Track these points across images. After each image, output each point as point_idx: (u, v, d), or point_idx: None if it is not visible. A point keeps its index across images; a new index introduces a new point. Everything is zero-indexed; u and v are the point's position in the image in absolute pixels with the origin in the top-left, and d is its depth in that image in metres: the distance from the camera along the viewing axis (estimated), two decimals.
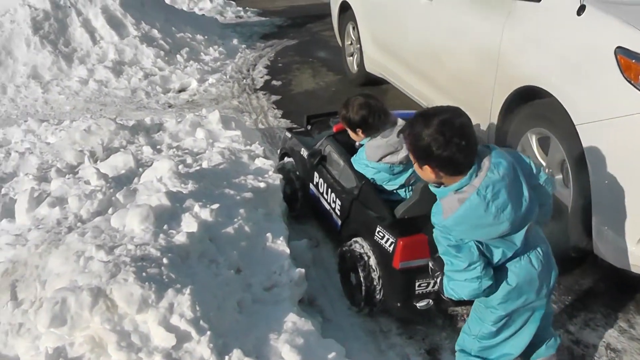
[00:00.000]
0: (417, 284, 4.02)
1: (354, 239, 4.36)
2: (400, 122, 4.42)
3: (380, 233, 4.10)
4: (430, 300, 4.05)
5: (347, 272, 4.39)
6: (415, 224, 4.04)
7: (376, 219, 4.21)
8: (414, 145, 3.06)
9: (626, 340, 4.12)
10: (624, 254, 4.13)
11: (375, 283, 4.15)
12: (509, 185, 2.95)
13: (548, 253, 3.25)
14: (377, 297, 4.16)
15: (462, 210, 2.95)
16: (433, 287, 4.00)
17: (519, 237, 3.08)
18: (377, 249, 4.13)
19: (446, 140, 2.92)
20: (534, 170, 3.26)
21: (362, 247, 4.25)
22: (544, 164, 4.84)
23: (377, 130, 4.44)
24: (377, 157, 4.37)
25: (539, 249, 3.19)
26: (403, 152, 4.31)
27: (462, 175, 2.98)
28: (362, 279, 4.18)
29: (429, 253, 3.85)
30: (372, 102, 4.44)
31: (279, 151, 5.99)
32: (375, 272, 4.14)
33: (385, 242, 4.05)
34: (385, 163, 4.37)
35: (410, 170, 4.34)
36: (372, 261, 4.17)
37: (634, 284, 4.52)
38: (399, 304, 4.13)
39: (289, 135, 5.63)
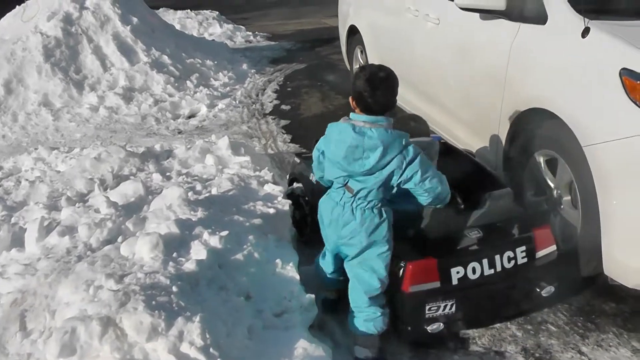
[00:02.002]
0: (427, 307, 4.07)
1: None
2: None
3: None
4: (441, 324, 4.12)
5: None
6: (424, 247, 4.15)
7: None
8: (352, 84, 3.94)
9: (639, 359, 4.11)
10: (634, 273, 4.16)
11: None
12: (350, 149, 3.76)
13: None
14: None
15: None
16: (443, 310, 4.10)
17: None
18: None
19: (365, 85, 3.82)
20: (413, 178, 3.83)
21: None
22: (552, 185, 4.85)
23: None
24: None
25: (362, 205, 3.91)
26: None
27: (366, 114, 3.85)
28: None
29: (438, 277, 4.06)
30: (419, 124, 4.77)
31: (288, 176, 6.00)
32: (386, 297, 4.11)
33: (395, 266, 4.05)
34: None
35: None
36: None
37: None
38: (409, 328, 4.17)
39: (297, 160, 5.66)
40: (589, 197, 4.34)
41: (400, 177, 3.80)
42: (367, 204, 3.89)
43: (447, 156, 4.88)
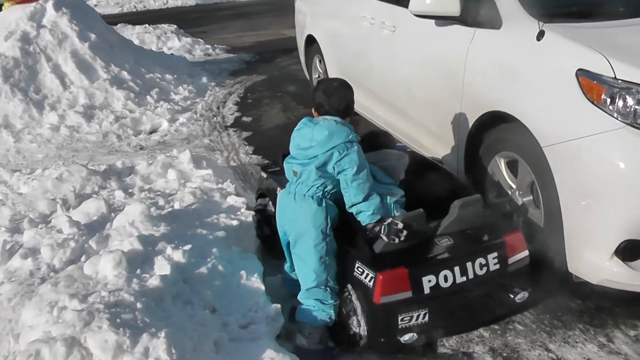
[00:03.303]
0: (399, 317, 4.03)
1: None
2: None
3: (359, 269, 4.10)
4: (415, 334, 4.07)
5: None
6: (394, 257, 4.09)
7: (355, 254, 4.21)
8: (312, 97, 4.47)
9: (605, 354, 4.17)
10: (597, 270, 4.21)
11: (358, 319, 4.13)
12: (306, 133, 4.18)
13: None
14: (361, 333, 4.13)
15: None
16: (417, 320, 4.08)
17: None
18: (358, 284, 4.11)
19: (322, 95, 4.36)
20: (347, 170, 4.09)
21: (342, 284, 4.23)
22: (514, 186, 4.90)
23: None
24: (376, 159, 4.61)
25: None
26: (397, 162, 4.69)
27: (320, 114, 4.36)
28: (344, 316, 4.21)
29: (410, 286, 4.02)
30: (382, 138, 4.97)
31: (256, 192, 5.99)
32: (357, 309, 4.13)
33: (365, 277, 4.04)
34: (380, 167, 4.59)
35: (394, 188, 4.51)
36: (354, 297, 4.16)
37: (609, 298, 4.57)
38: (382, 339, 4.13)
39: (264, 175, 5.62)
40: (551, 196, 4.40)
41: (336, 163, 4.07)
42: (308, 190, 4.15)
43: (414, 165, 4.89)
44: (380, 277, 3.97)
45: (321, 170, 4.10)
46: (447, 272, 4.12)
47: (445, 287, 4.12)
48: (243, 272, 4.48)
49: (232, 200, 5.67)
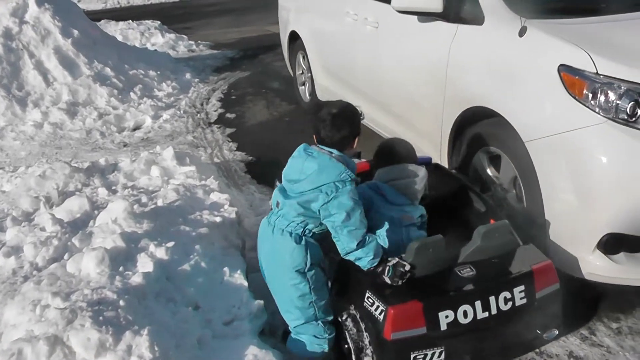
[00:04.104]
0: (412, 356, 3.63)
1: (344, 304, 3.97)
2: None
3: (369, 299, 3.73)
4: None
5: (338, 340, 4.02)
6: (408, 289, 3.71)
7: (365, 282, 3.83)
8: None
9: (588, 347, 4.21)
10: (580, 263, 4.23)
11: (366, 355, 3.80)
12: (296, 164, 3.81)
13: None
14: None
15: None
16: (431, 358, 3.67)
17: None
18: (367, 317, 3.75)
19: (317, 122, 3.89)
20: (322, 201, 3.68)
21: (351, 314, 3.90)
22: (497, 181, 4.91)
23: None
24: (387, 177, 4.28)
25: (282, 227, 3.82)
26: (412, 181, 4.24)
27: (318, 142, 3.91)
28: (352, 350, 3.84)
29: (424, 322, 3.61)
30: (399, 149, 4.45)
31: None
32: (366, 343, 3.78)
33: (375, 309, 3.67)
34: (391, 186, 4.23)
35: (408, 210, 4.18)
36: (363, 330, 3.80)
37: (592, 292, 4.62)
38: None
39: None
40: (533, 191, 4.41)
41: (322, 206, 3.66)
42: (287, 225, 3.77)
43: (438, 180, 4.71)
44: (392, 311, 3.57)
45: (304, 207, 3.71)
46: (467, 306, 3.69)
47: (464, 324, 3.69)
48: (226, 269, 4.47)
49: (215, 196, 5.67)
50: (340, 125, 3.83)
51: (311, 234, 3.81)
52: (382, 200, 4.12)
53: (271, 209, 3.99)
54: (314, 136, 3.92)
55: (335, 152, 3.80)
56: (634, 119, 3.92)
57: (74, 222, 5.16)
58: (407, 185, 4.20)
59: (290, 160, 3.89)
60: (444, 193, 4.65)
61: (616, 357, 4.12)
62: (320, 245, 3.88)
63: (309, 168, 3.70)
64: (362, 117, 4.05)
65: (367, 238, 3.69)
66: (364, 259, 3.69)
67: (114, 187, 6.13)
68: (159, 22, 17.69)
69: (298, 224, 3.75)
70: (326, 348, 3.94)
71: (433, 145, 5.57)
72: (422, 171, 4.27)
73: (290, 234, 3.77)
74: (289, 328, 4.00)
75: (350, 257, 3.73)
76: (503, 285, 3.81)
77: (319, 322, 3.91)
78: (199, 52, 15.66)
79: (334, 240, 3.73)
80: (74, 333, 3.42)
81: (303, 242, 3.77)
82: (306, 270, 3.79)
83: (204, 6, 25.08)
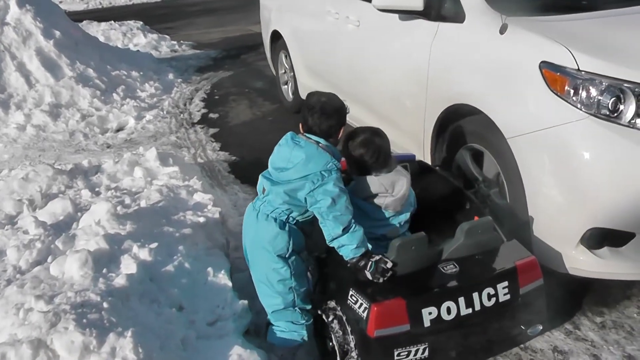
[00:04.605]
0: (395, 353, 3.62)
1: (328, 302, 3.98)
2: (400, 168, 4.21)
3: (353, 297, 3.73)
4: None
5: (323, 338, 4.07)
6: (391, 286, 3.73)
7: (348, 280, 3.83)
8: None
9: (572, 341, 4.23)
10: (563, 258, 4.26)
11: (350, 352, 3.80)
12: (283, 152, 3.87)
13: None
14: None
15: None
16: (415, 355, 3.67)
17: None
18: (351, 314, 3.75)
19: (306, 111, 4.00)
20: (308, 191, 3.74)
21: (336, 312, 3.91)
22: (480, 178, 4.93)
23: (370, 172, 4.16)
24: (364, 194, 4.08)
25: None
26: (391, 198, 4.07)
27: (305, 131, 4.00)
28: (336, 347, 3.86)
29: (407, 319, 3.61)
30: (377, 140, 4.17)
31: None
32: (350, 341, 3.79)
33: (359, 307, 3.67)
34: (370, 203, 4.08)
35: (394, 222, 4.15)
36: (347, 328, 3.81)
37: (576, 286, 4.64)
38: None
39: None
40: (516, 187, 4.43)
41: (308, 194, 3.72)
42: (272, 211, 3.87)
43: (421, 177, 4.71)
44: (375, 308, 3.57)
45: (289, 195, 3.78)
46: (450, 303, 3.69)
47: (447, 320, 3.69)
48: (210, 269, 4.47)
49: (198, 197, 5.66)
50: (329, 113, 3.93)
51: (294, 221, 3.90)
52: (364, 218, 3.99)
53: (257, 194, 4.04)
54: (301, 125, 4.00)
55: (322, 141, 3.87)
56: (615, 114, 3.93)
57: (57, 225, 5.14)
58: (390, 202, 4.09)
59: (277, 148, 3.96)
60: (428, 190, 4.63)
61: (600, 351, 4.13)
62: (303, 235, 3.99)
63: (296, 157, 3.77)
64: (347, 111, 4.10)
65: (354, 225, 3.73)
66: (348, 247, 3.72)
67: (97, 189, 6.12)
68: (141, 23, 17.68)
69: (283, 211, 3.85)
70: (305, 335, 4.02)
71: (416, 143, 5.57)
72: (403, 181, 4.11)
73: (275, 219, 3.87)
74: (268, 317, 4.08)
75: (335, 244, 3.76)
76: (486, 282, 3.81)
77: (297, 308, 4.00)
78: (182, 52, 15.63)
79: (321, 226, 3.78)
80: (57, 336, 3.41)
81: (287, 229, 3.87)
82: (287, 255, 3.90)
83: (186, 6, 25.08)
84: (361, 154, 4.08)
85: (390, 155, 4.20)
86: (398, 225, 4.14)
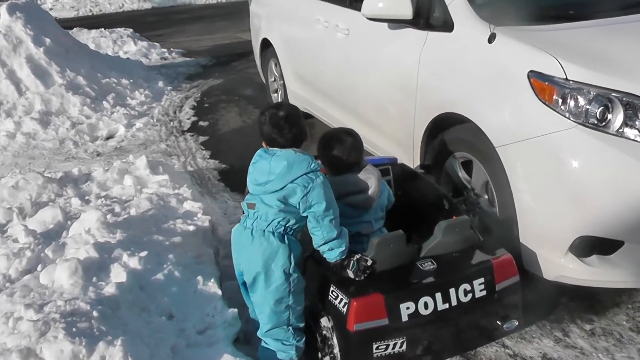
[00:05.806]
0: (374, 346, 3.75)
1: (309, 299, 4.06)
2: (370, 166, 4.25)
3: (334, 293, 3.85)
4: None
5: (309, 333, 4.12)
6: (370, 282, 3.83)
7: (329, 277, 3.94)
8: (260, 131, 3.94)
9: (562, 348, 4.25)
10: (552, 266, 4.29)
11: (332, 346, 3.93)
12: (262, 166, 3.78)
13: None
14: None
15: None
16: (393, 349, 3.80)
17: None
18: (332, 310, 3.86)
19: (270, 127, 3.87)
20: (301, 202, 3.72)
21: (317, 308, 4.03)
22: (469, 186, 4.95)
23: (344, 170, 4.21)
24: (337, 193, 4.00)
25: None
26: (363, 195, 4.11)
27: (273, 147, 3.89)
28: (318, 342, 4.04)
29: (386, 314, 3.74)
30: (349, 139, 4.22)
31: None
32: (332, 335, 3.92)
33: (339, 302, 3.79)
34: (343, 202, 4.07)
35: (367, 219, 4.19)
36: (329, 323, 3.94)
37: (565, 294, 4.68)
38: None
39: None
40: (505, 195, 4.45)
41: (302, 199, 3.69)
42: (267, 226, 3.77)
43: (403, 179, 4.85)
44: (355, 303, 3.70)
45: (283, 202, 3.72)
46: (427, 298, 3.82)
47: (425, 315, 3.82)
48: (200, 278, 4.48)
49: (188, 205, 5.67)
50: (295, 122, 3.86)
51: (292, 231, 3.84)
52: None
53: (243, 213, 3.96)
54: (264, 143, 3.93)
55: (294, 149, 3.83)
56: (603, 123, 3.96)
57: (47, 233, 5.14)
58: (361, 200, 4.14)
59: (253, 165, 3.87)
60: (408, 191, 4.77)
61: (590, 358, 4.15)
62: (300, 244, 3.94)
63: (276, 167, 3.71)
64: None
65: (342, 228, 3.83)
66: (336, 250, 3.81)
67: (87, 197, 6.11)
68: (131, 30, 17.63)
69: (279, 221, 3.76)
70: (294, 355, 3.97)
71: (405, 151, 5.58)
72: (372, 179, 4.16)
73: (273, 233, 3.78)
74: (258, 333, 4.02)
75: (324, 248, 3.82)
76: (463, 278, 3.95)
77: (290, 328, 3.94)
78: (172, 59, 15.59)
79: (313, 230, 3.79)
80: (47, 345, 3.41)
81: (287, 241, 3.80)
82: (291, 270, 3.82)
83: (176, 13, 25.03)
84: (335, 153, 4.15)
85: (362, 155, 4.28)
86: (372, 221, 4.20)
